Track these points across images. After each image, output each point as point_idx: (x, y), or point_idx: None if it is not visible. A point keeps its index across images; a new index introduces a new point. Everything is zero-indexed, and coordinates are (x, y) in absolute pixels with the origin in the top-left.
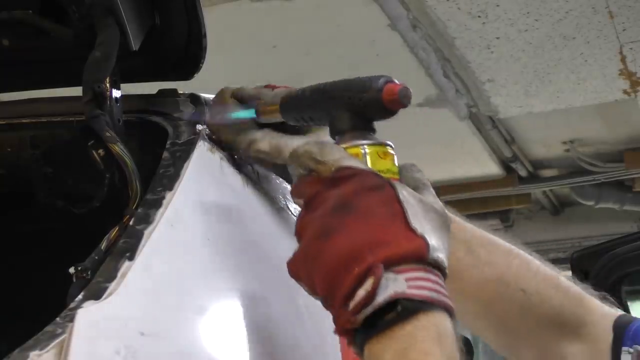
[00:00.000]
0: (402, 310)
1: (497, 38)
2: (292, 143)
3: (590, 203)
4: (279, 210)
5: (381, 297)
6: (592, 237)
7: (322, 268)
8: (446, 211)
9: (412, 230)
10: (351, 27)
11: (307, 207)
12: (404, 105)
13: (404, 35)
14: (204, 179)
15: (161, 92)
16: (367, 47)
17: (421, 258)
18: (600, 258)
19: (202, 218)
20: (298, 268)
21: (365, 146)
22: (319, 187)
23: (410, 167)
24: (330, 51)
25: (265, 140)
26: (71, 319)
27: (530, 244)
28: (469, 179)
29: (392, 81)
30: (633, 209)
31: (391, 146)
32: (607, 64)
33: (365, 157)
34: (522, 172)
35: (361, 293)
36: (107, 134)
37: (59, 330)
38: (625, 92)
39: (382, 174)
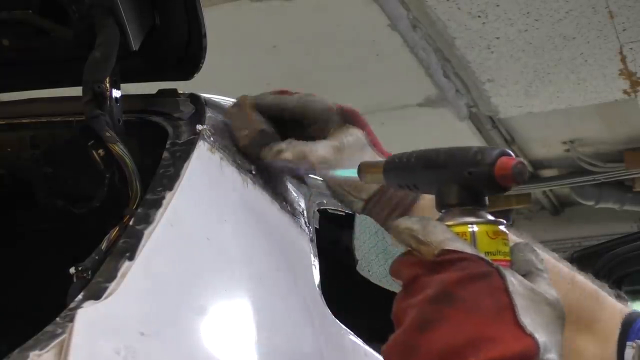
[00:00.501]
0: None
1: (497, 38)
2: (317, 149)
3: (590, 203)
4: (279, 210)
5: None
6: (592, 237)
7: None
8: (560, 302)
9: (521, 328)
10: (351, 27)
11: (406, 290)
12: (518, 183)
13: (404, 35)
14: (204, 179)
15: (161, 92)
16: (367, 47)
17: (530, 359)
18: (600, 258)
19: (202, 218)
20: (392, 358)
21: (475, 225)
22: (420, 271)
23: (524, 247)
24: (330, 51)
25: (289, 150)
26: (71, 319)
27: None
28: None
29: (506, 154)
30: (633, 209)
31: (503, 224)
32: (607, 64)
33: (474, 237)
34: None
35: None
36: (107, 134)
37: (59, 330)
38: (625, 92)
39: (491, 256)
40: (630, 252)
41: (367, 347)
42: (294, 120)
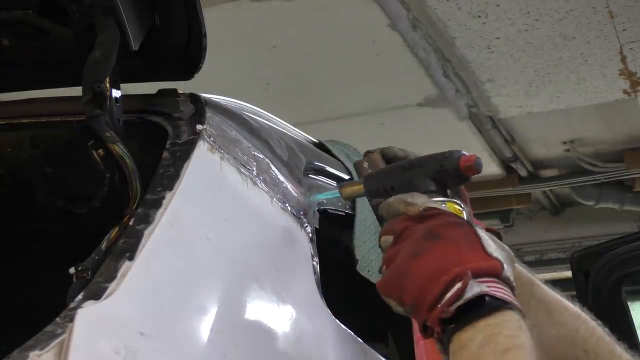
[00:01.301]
0: (488, 304)
1: (497, 38)
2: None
3: (591, 203)
4: (279, 210)
5: (470, 294)
6: (592, 237)
7: (413, 280)
8: (512, 253)
9: (489, 254)
10: (351, 27)
11: (396, 239)
12: (478, 172)
13: (404, 35)
14: (204, 179)
15: (161, 92)
16: (367, 47)
17: (497, 274)
18: (600, 258)
19: (202, 218)
20: (388, 285)
21: (445, 202)
22: (409, 223)
23: (478, 225)
24: (330, 51)
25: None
26: (71, 319)
27: (530, 244)
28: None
29: (465, 153)
30: (633, 209)
31: (461, 205)
32: (607, 64)
33: (446, 207)
34: (522, 172)
35: (452, 292)
36: (107, 134)
37: (59, 330)
38: (625, 92)
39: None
40: (630, 252)
41: (367, 347)
42: None
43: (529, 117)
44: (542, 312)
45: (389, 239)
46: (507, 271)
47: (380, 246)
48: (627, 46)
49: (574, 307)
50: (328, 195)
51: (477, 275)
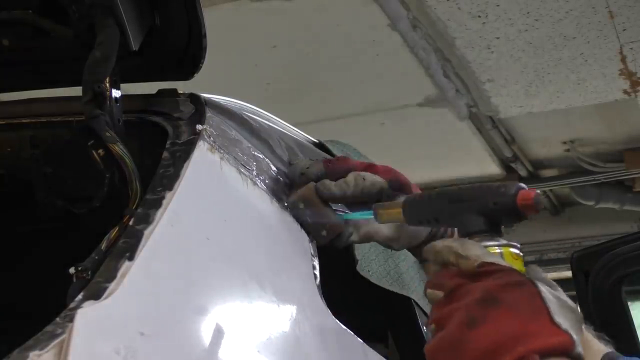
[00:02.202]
0: None
1: (497, 38)
2: (381, 230)
3: (591, 203)
4: (279, 210)
5: None
6: (592, 237)
7: (470, 355)
8: (578, 308)
9: (557, 325)
10: (351, 27)
11: (449, 298)
12: (537, 212)
13: (404, 35)
14: (203, 179)
15: (161, 92)
16: (367, 47)
17: (567, 352)
18: (600, 258)
19: (202, 218)
20: (439, 354)
21: (500, 247)
22: (462, 280)
23: (536, 268)
24: (330, 51)
25: (357, 234)
26: (71, 319)
27: (530, 244)
28: (469, 179)
29: (523, 187)
30: (633, 209)
31: (517, 247)
32: (607, 64)
33: (501, 256)
34: (522, 172)
35: None
36: (107, 134)
37: (59, 330)
38: (625, 92)
39: None
40: (630, 252)
41: (367, 347)
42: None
43: (529, 117)
44: None
45: (437, 293)
46: (578, 346)
47: (426, 296)
48: (627, 46)
49: None
50: (360, 216)
51: (546, 354)
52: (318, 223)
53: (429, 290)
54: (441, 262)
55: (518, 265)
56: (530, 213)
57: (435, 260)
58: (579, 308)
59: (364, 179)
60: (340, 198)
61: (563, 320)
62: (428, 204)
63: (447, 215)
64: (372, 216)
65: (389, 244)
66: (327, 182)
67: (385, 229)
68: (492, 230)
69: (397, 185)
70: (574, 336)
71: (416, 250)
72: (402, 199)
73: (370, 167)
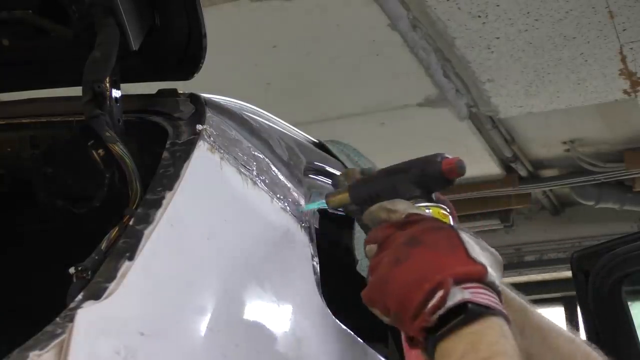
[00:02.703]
0: (470, 311)
1: (497, 38)
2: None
3: (590, 203)
4: (279, 210)
5: (451, 302)
6: (592, 237)
7: (395, 288)
8: (499, 255)
9: (471, 258)
10: (351, 27)
11: (380, 247)
12: (461, 175)
13: (404, 35)
14: (203, 179)
15: (161, 92)
16: (367, 47)
17: (480, 279)
18: (600, 258)
19: (202, 218)
20: (372, 294)
21: (429, 207)
22: (392, 231)
23: (464, 229)
24: (330, 51)
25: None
26: (71, 319)
27: (530, 243)
28: (469, 179)
29: (447, 157)
30: (633, 209)
31: (446, 209)
32: (607, 64)
33: (431, 213)
34: (522, 172)
35: (434, 301)
36: (107, 134)
37: (59, 330)
38: (625, 92)
39: None
40: (630, 252)
41: (367, 347)
42: None
43: (529, 117)
44: (537, 338)
45: (373, 247)
46: (492, 276)
47: (366, 256)
48: (627, 46)
49: (568, 333)
50: (316, 205)
51: (460, 280)
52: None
53: (367, 247)
54: (376, 221)
55: (446, 221)
56: (454, 177)
57: (372, 221)
58: (499, 254)
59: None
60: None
61: (479, 255)
62: (370, 183)
63: (385, 189)
64: (325, 204)
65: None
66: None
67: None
68: (424, 196)
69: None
70: (488, 268)
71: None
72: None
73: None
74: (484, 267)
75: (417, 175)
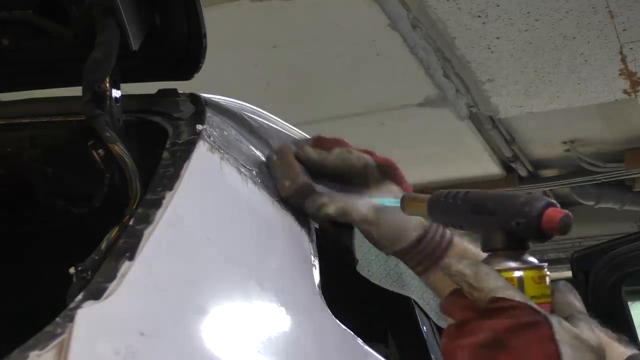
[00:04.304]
0: None
1: (497, 38)
2: (358, 207)
3: (590, 203)
4: (279, 210)
5: None
6: (592, 237)
7: None
8: (601, 346)
9: None
10: (351, 27)
11: (457, 330)
12: (564, 234)
13: (404, 35)
14: (204, 179)
15: (161, 92)
16: (367, 47)
17: None
18: (600, 258)
19: (202, 218)
20: None
21: (521, 270)
22: (471, 315)
23: (564, 287)
24: (330, 51)
25: (332, 205)
26: (71, 319)
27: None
28: (469, 179)
29: (552, 205)
30: (633, 209)
31: (546, 267)
32: (607, 64)
33: (521, 282)
34: (522, 172)
35: None
36: (107, 134)
37: (59, 330)
38: (625, 92)
39: (536, 300)
40: (630, 252)
41: (367, 347)
42: (333, 173)
43: (529, 117)
44: None
45: (450, 320)
46: None
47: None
48: (627, 46)
49: None
50: (388, 202)
51: None
52: (284, 175)
53: (442, 313)
54: (456, 284)
55: (541, 289)
56: (555, 235)
57: (451, 279)
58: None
59: (349, 152)
60: (318, 165)
61: None
62: (453, 208)
63: (469, 224)
64: (399, 204)
65: (366, 227)
66: (307, 147)
67: (364, 208)
68: (516, 247)
69: (387, 172)
70: None
71: (403, 254)
72: (427, 195)
73: (367, 152)
74: None
75: (508, 224)
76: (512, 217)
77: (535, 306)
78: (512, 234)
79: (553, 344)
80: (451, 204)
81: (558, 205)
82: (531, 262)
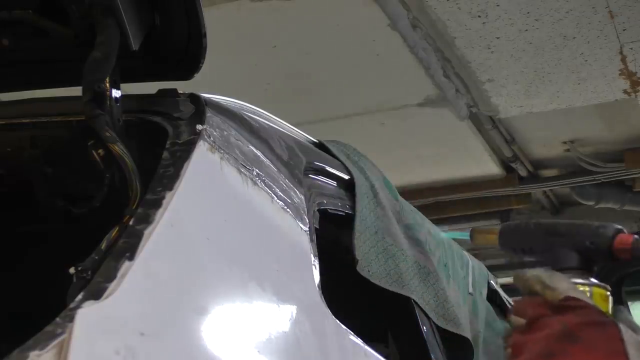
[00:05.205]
0: None
1: (497, 38)
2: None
3: (590, 203)
4: (279, 210)
5: None
6: None
7: None
8: None
9: None
10: (351, 27)
11: (529, 326)
12: (635, 258)
13: (404, 35)
14: (203, 179)
15: (161, 92)
16: (367, 47)
17: None
18: None
19: (201, 218)
20: None
21: (592, 287)
22: (544, 311)
23: (623, 309)
24: (330, 51)
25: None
26: (71, 319)
27: None
28: (469, 179)
29: (622, 231)
30: (633, 209)
31: (607, 289)
32: (607, 64)
33: (590, 295)
34: (522, 172)
35: None
36: (107, 134)
37: (59, 330)
38: (625, 92)
39: None
40: None
41: (367, 347)
42: None
43: (529, 117)
44: None
45: (519, 320)
46: None
47: (508, 322)
48: (627, 46)
49: None
50: (458, 235)
51: None
52: None
53: (512, 316)
54: (528, 290)
55: (605, 307)
56: (625, 257)
57: (524, 287)
58: None
59: None
60: None
61: None
62: (524, 233)
63: (541, 246)
64: (468, 237)
65: None
66: None
67: None
68: (584, 267)
69: None
70: None
71: None
72: (496, 226)
73: None
74: None
75: (582, 245)
76: (587, 238)
77: (603, 311)
78: (584, 254)
79: (620, 343)
80: (523, 229)
81: (626, 231)
82: (597, 283)
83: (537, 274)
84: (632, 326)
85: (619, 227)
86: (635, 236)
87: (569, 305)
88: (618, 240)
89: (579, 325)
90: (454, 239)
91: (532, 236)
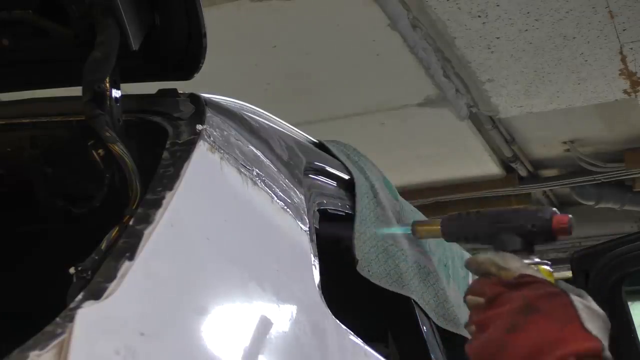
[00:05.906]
0: None
1: (497, 38)
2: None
3: (590, 203)
4: (279, 210)
5: None
6: (592, 237)
7: (510, 356)
8: (605, 315)
9: (588, 332)
10: (351, 27)
11: (489, 304)
12: (570, 234)
13: (404, 35)
14: (203, 179)
15: (161, 92)
16: (367, 47)
17: (598, 355)
18: (600, 258)
19: (201, 218)
20: (480, 354)
21: (538, 265)
22: (502, 289)
23: (563, 283)
24: (330, 51)
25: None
26: (71, 319)
27: None
28: (469, 179)
29: (557, 212)
30: (633, 209)
31: (550, 266)
32: (608, 63)
33: (538, 271)
34: (522, 172)
35: None
36: (107, 134)
37: (59, 330)
38: (625, 92)
39: None
40: (630, 252)
41: (367, 347)
42: None
43: (529, 117)
44: None
45: (477, 299)
46: (606, 350)
47: (465, 302)
48: (627, 46)
49: None
50: (400, 230)
51: (580, 357)
52: None
53: (469, 297)
54: (482, 272)
55: (552, 280)
56: (563, 235)
57: (477, 271)
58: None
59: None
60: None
61: (592, 326)
62: (467, 223)
63: (486, 234)
64: (410, 232)
65: None
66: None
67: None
68: (527, 249)
69: None
70: (603, 341)
71: None
72: (437, 219)
73: None
74: (600, 343)
75: (523, 228)
76: (528, 222)
77: (553, 284)
78: (525, 237)
79: (573, 309)
80: (465, 219)
81: (558, 212)
82: (541, 261)
83: (490, 257)
84: (577, 293)
85: (554, 209)
86: (569, 215)
87: (525, 281)
88: (555, 221)
89: (537, 298)
90: (405, 234)
91: (476, 225)
